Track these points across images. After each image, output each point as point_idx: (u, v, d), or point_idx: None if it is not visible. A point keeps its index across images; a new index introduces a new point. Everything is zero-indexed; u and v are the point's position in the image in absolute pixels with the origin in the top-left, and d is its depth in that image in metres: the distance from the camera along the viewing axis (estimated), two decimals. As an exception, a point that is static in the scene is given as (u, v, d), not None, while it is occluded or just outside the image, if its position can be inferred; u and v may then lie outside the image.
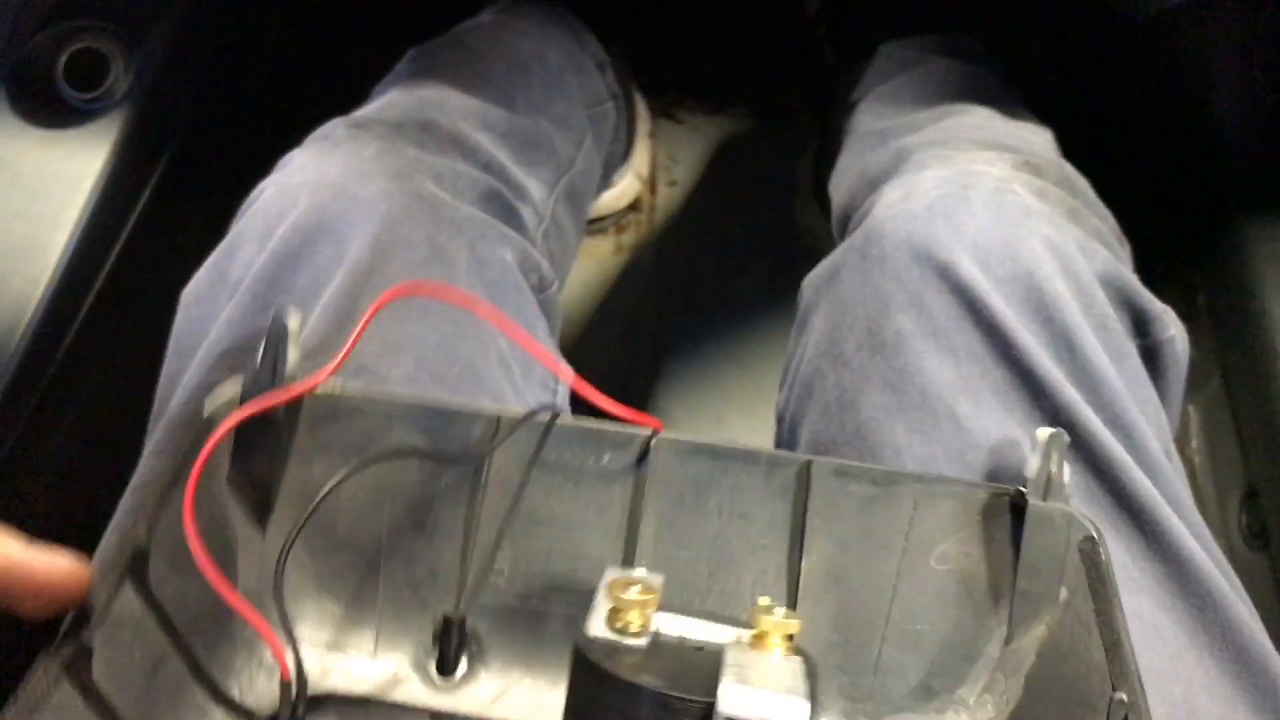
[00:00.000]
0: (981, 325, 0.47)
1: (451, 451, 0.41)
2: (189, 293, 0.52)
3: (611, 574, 0.36)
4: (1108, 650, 0.36)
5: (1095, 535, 0.38)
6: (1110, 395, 0.46)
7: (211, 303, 0.51)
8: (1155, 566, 0.44)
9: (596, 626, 0.31)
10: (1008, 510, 0.39)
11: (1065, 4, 1.01)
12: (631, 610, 0.31)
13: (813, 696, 0.29)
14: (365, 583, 0.41)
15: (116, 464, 0.48)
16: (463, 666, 0.41)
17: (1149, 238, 0.64)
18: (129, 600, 0.35)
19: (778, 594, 0.40)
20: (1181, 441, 0.93)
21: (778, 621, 0.31)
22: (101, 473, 0.55)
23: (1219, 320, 0.92)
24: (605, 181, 0.98)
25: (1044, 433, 0.38)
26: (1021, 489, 0.39)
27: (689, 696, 0.28)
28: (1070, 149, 0.66)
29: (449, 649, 0.41)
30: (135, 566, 0.35)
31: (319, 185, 0.52)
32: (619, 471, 0.40)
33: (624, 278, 1.04)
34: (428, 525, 0.41)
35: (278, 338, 0.39)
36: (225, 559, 0.39)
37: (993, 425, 0.45)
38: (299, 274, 0.49)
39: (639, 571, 0.36)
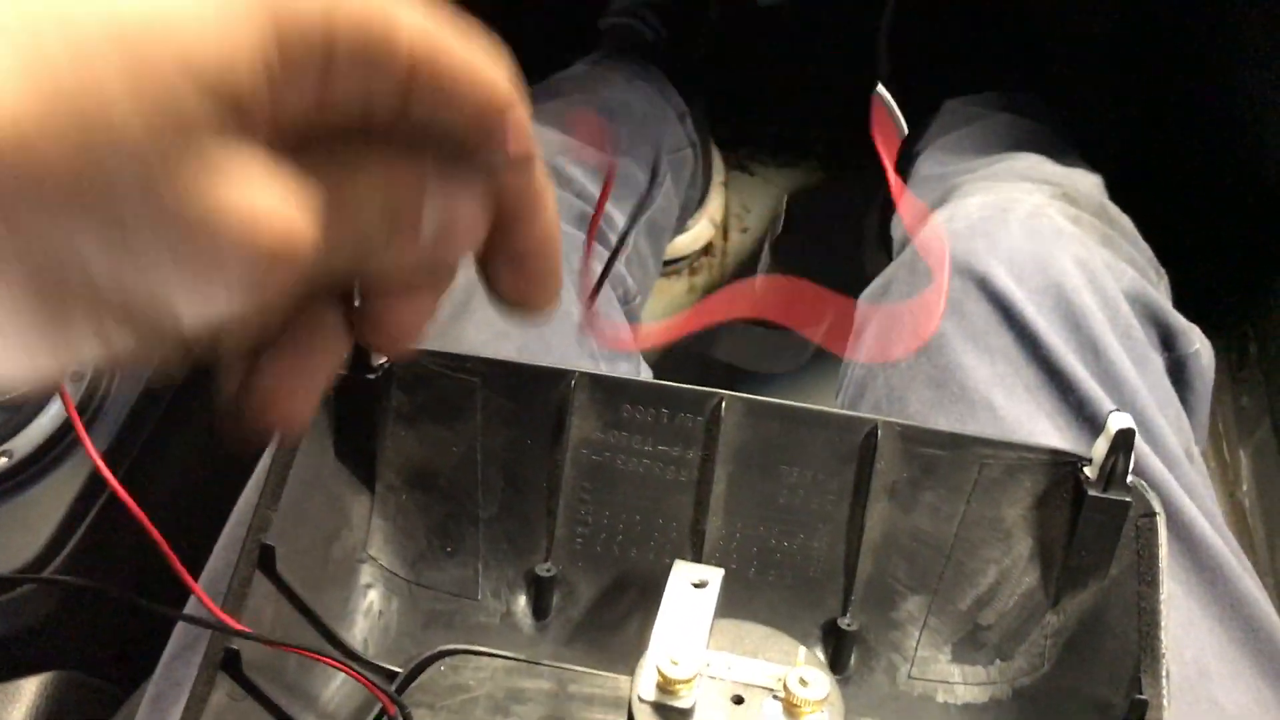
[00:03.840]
0: (1014, 329, 0.52)
1: (535, 410, 0.44)
2: None
3: (679, 571, 0.37)
4: (1142, 636, 0.37)
5: (1156, 511, 0.39)
6: (1131, 394, 0.51)
7: None
8: (1170, 544, 0.48)
9: (647, 690, 0.34)
10: (1070, 479, 0.40)
11: (1123, 62, 1.07)
12: (677, 683, 0.34)
13: None
14: (467, 535, 0.46)
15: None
16: (555, 610, 0.45)
17: (1205, 288, 0.68)
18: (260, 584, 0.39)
19: (839, 555, 0.43)
20: (1232, 485, 0.96)
21: (809, 699, 0.33)
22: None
23: (1270, 368, 0.96)
24: (681, 225, 1.06)
25: (1118, 420, 0.38)
26: (1085, 464, 0.40)
27: None
28: (1127, 201, 0.69)
29: (542, 597, 0.45)
30: (264, 558, 0.39)
31: None
32: (691, 430, 0.43)
33: (697, 317, 1.09)
34: (518, 481, 0.45)
35: None
36: (339, 522, 0.44)
37: (1024, 416, 0.50)
38: None
39: (703, 571, 0.38)
